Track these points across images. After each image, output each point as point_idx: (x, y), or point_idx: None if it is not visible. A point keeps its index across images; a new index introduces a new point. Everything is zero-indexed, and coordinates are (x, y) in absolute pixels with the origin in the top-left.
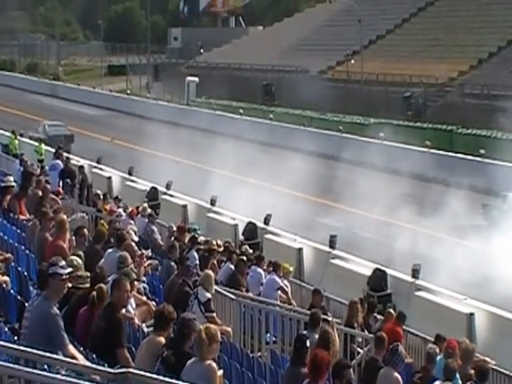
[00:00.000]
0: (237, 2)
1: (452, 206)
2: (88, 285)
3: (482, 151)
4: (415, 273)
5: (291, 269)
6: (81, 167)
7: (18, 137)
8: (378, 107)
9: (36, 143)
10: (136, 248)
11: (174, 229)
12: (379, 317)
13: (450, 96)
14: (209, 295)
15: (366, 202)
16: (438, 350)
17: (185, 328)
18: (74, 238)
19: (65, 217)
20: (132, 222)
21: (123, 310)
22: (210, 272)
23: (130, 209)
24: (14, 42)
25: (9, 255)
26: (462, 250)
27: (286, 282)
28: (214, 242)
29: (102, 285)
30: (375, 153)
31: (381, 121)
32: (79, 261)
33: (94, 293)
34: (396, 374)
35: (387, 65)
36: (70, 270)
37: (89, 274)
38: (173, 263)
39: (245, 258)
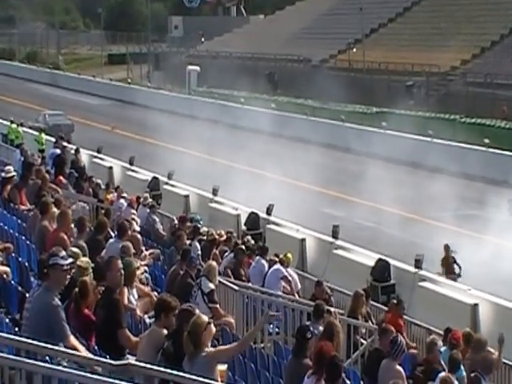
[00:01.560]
0: None
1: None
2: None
3: (487, 140)
4: (418, 263)
5: (289, 255)
6: (76, 151)
7: (14, 126)
8: (380, 96)
9: (36, 133)
10: (140, 238)
11: (176, 222)
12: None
13: (452, 85)
14: (212, 286)
15: (368, 192)
16: (439, 342)
17: (184, 319)
18: (74, 228)
19: (67, 209)
20: (133, 211)
21: (126, 300)
22: (214, 263)
23: (130, 197)
24: (13, 31)
25: (9, 245)
26: (488, 245)
27: (291, 271)
28: (216, 232)
29: (85, 278)
30: (378, 142)
31: (383, 110)
32: (77, 251)
33: (77, 288)
34: (397, 366)
35: (389, 53)
36: (70, 260)
37: (91, 264)
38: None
39: (243, 247)
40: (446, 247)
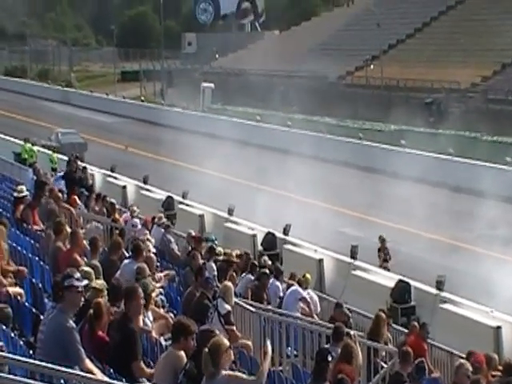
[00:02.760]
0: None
1: (484, 216)
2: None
3: (509, 159)
4: (440, 285)
5: (308, 276)
6: (84, 168)
7: (30, 145)
8: (399, 114)
9: (49, 151)
10: (155, 259)
11: (192, 234)
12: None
13: (472, 102)
14: (229, 307)
15: (387, 212)
16: (467, 365)
17: (205, 339)
18: (88, 247)
19: (79, 229)
20: (147, 231)
21: (141, 323)
22: (230, 284)
23: (145, 218)
24: (24, 48)
25: (22, 268)
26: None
27: (311, 292)
28: (234, 253)
29: (100, 300)
30: (397, 161)
31: (401, 128)
32: (90, 270)
33: (91, 310)
34: None
35: (407, 70)
36: (86, 282)
37: (106, 285)
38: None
39: (267, 270)
40: (381, 238)
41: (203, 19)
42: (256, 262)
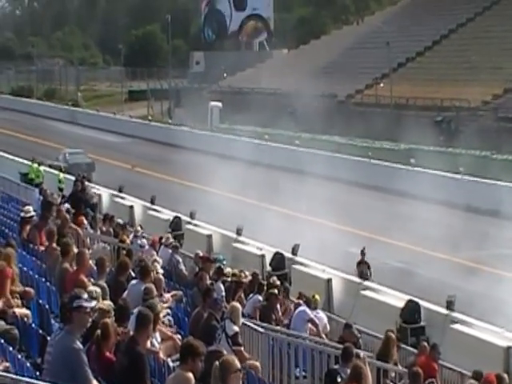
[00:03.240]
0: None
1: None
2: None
3: None
4: (450, 305)
5: (317, 297)
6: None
7: (37, 165)
8: (409, 132)
9: (56, 171)
10: (163, 280)
11: (200, 254)
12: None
13: (483, 120)
14: (236, 328)
15: (397, 231)
16: None
17: (214, 360)
18: (94, 267)
19: (85, 249)
20: (154, 252)
21: (148, 344)
22: (237, 304)
23: (152, 238)
24: (31, 68)
25: (29, 289)
26: None
27: (320, 312)
28: (243, 275)
29: (107, 320)
30: (406, 179)
31: (411, 146)
32: (98, 291)
33: (99, 331)
34: None
35: (417, 88)
36: (94, 303)
37: (113, 306)
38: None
39: (276, 291)
40: (362, 252)
41: (209, 37)
42: (263, 282)
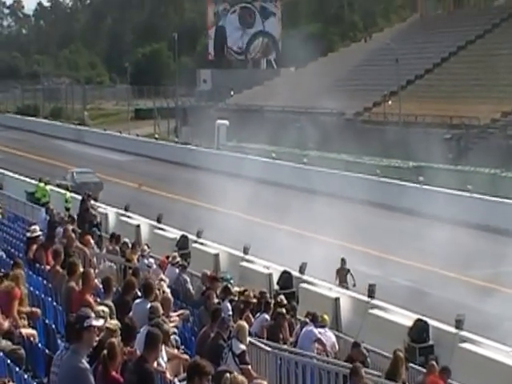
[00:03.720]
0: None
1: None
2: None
3: None
4: (459, 323)
5: (326, 317)
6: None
7: (42, 185)
8: (417, 150)
9: (63, 191)
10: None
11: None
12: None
13: (492, 138)
14: (243, 347)
15: (405, 250)
16: None
17: (223, 381)
18: (100, 286)
19: (92, 269)
20: (161, 272)
21: (155, 364)
22: (244, 323)
23: (162, 259)
24: (37, 87)
25: (36, 309)
26: None
27: (328, 332)
28: (252, 294)
29: (113, 340)
30: (415, 197)
31: (420, 164)
32: (106, 310)
33: (105, 351)
34: None
35: (426, 105)
36: (102, 321)
37: (119, 325)
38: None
39: (284, 310)
40: (343, 260)
41: (216, 55)
42: (270, 301)
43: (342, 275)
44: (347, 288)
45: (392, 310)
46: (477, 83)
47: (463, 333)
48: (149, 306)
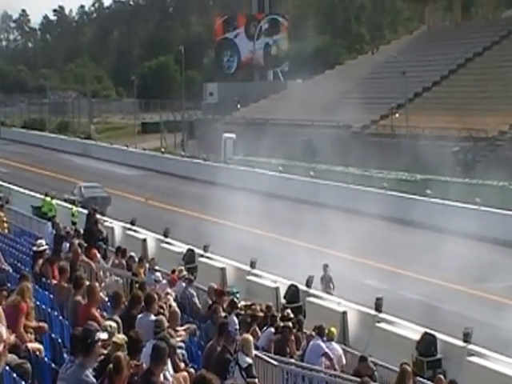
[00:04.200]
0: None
1: None
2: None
3: None
4: (467, 337)
5: (333, 330)
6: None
7: (49, 199)
8: (425, 163)
9: (70, 205)
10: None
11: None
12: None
13: (501, 150)
14: (249, 360)
15: (412, 263)
16: None
17: None
18: (108, 303)
19: (96, 283)
20: (167, 286)
21: (161, 377)
22: (249, 336)
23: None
24: (44, 100)
25: (43, 324)
26: None
27: (335, 345)
28: (258, 308)
29: (120, 354)
30: (422, 211)
31: (427, 177)
32: (114, 325)
33: (111, 364)
34: None
35: (434, 118)
36: (107, 334)
37: (126, 339)
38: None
39: (290, 324)
40: (325, 266)
41: (225, 68)
42: (276, 314)
43: (327, 281)
44: (332, 294)
45: (399, 324)
46: (485, 95)
47: (471, 346)
48: (152, 318)
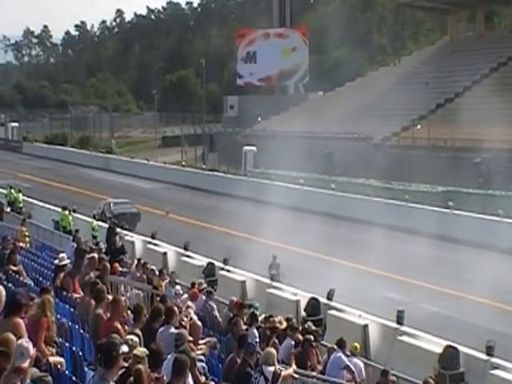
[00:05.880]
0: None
1: None
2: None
3: None
4: (490, 350)
5: (357, 345)
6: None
7: (71, 212)
8: (446, 175)
9: (90, 219)
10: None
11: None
12: None
13: None
14: (273, 368)
15: (434, 275)
16: None
17: None
18: (130, 316)
19: (120, 296)
20: (187, 299)
21: None
22: (272, 349)
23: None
24: (65, 115)
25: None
26: None
27: (356, 359)
28: (277, 320)
29: (140, 366)
30: (444, 223)
31: (449, 189)
32: (136, 339)
33: (132, 378)
34: None
35: (456, 129)
36: (127, 347)
37: (146, 352)
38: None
39: (312, 337)
40: (274, 257)
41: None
42: (295, 326)
43: (274, 269)
44: (278, 281)
45: (421, 337)
46: (508, 106)
47: (494, 359)
48: (173, 330)
